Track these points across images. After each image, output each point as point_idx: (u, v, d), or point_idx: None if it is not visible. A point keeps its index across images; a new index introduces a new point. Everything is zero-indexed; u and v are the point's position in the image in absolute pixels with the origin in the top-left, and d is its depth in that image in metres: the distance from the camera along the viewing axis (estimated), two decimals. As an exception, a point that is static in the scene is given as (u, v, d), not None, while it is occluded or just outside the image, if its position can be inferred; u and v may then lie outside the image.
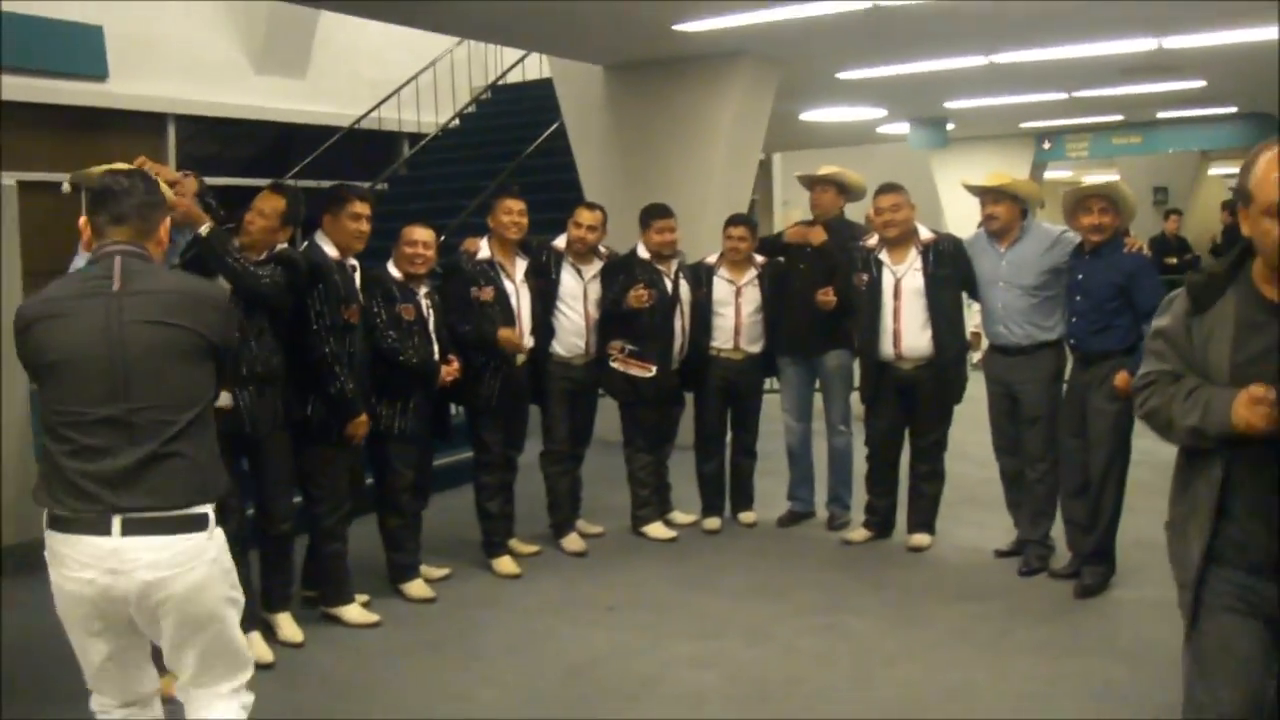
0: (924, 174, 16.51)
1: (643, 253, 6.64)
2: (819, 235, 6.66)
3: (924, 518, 6.58)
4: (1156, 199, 19.19)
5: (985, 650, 5.06)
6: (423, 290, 5.76)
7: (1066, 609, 5.56)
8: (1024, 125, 15.10)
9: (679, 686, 4.77)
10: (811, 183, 6.91)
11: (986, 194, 6.02)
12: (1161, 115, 14.41)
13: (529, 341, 6.26)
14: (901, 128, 14.62)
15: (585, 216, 6.53)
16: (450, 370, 5.72)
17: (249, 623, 5.01)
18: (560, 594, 5.95)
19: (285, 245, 5.07)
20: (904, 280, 6.23)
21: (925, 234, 6.31)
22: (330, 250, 5.35)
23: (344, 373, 5.19)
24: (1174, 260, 13.90)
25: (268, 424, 4.99)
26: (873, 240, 6.40)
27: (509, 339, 6.00)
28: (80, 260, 4.12)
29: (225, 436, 3.77)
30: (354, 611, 5.48)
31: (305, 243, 5.24)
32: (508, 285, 6.14)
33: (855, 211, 7.31)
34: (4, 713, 4.59)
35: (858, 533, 6.72)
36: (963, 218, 7.43)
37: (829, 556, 6.52)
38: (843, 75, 10.22)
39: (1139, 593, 5.70)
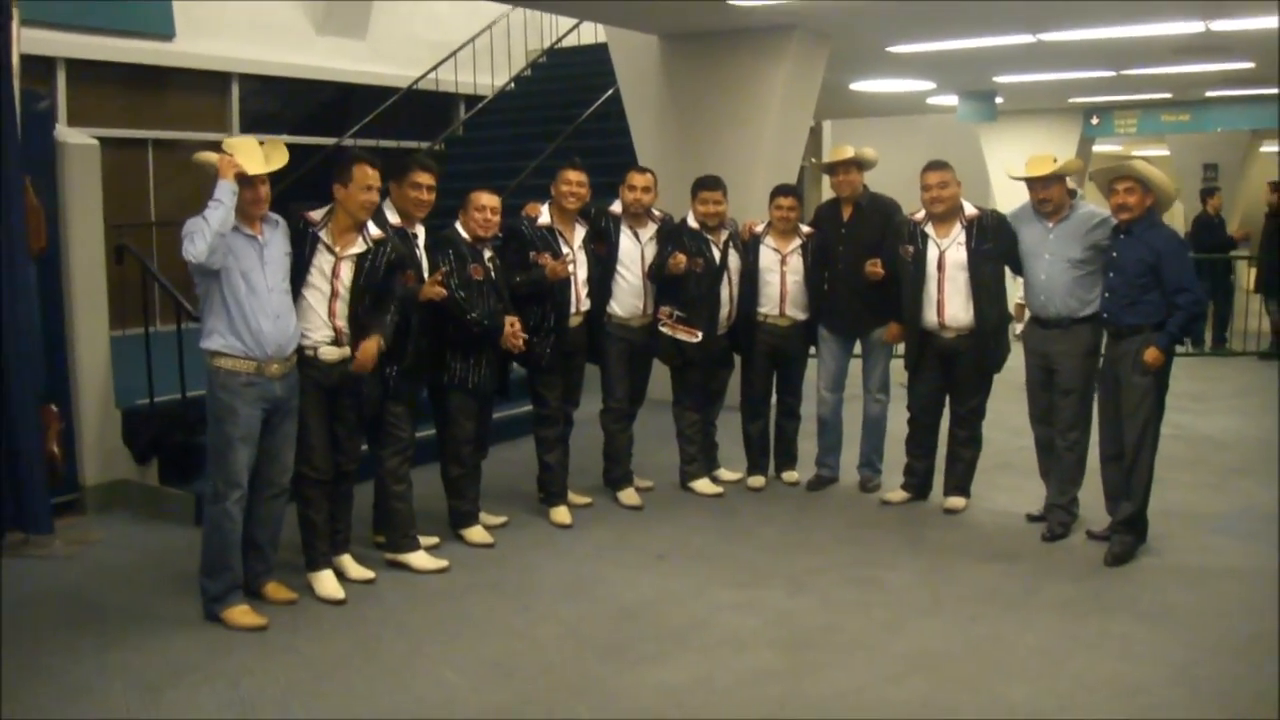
0: (973, 145, 16.56)
1: (692, 222, 6.89)
2: (877, 270, 6.71)
3: (960, 481, 6.84)
4: (1206, 175, 19.09)
5: (1011, 606, 5.33)
6: (488, 253, 6.06)
7: (1093, 572, 5.81)
8: (1072, 100, 15.08)
9: (722, 630, 5.08)
10: (834, 168, 7.06)
11: (1036, 181, 6.20)
12: (1210, 94, 14.40)
13: (585, 304, 6.55)
14: (951, 99, 14.68)
15: (637, 179, 6.78)
16: (515, 332, 5.98)
17: (321, 562, 5.43)
18: (611, 542, 6.28)
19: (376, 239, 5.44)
20: (948, 253, 6.46)
21: (969, 209, 6.52)
22: (393, 217, 5.69)
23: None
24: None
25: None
26: (919, 214, 6.63)
27: (554, 268, 6.22)
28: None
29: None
30: (420, 558, 5.80)
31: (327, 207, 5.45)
32: (566, 251, 6.40)
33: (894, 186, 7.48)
34: (94, 638, 4.97)
35: (896, 494, 6.99)
36: (1011, 189, 7.59)
37: (867, 516, 6.80)
38: (892, 49, 10.38)
39: (1165, 559, 5.97)
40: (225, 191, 4.84)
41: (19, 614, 5.22)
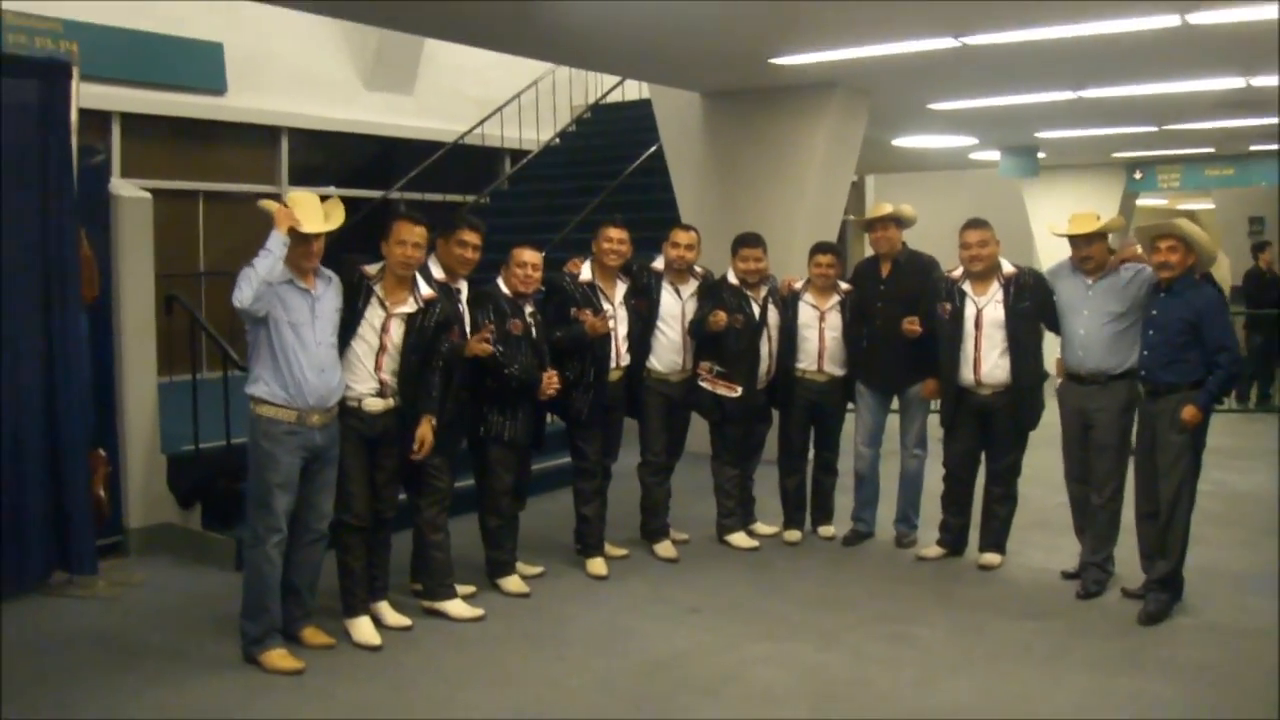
0: (1015, 200, 16.58)
1: (732, 278, 6.97)
2: (915, 327, 6.73)
3: (995, 538, 6.84)
4: (1252, 229, 18.97)
5: (1043, 664, 5.32)
6: (529, 309, 6.16)
7: (1127, 630, 5.78)
8: (1115, 155, 15.08)
9: (754, 684, 5.10)
10: (873, 224, 7.14)
11: (1080, 239, 6.23)
12: (1254, 148, 14.37)
13: (625, 359, 6.65)
14: (993, 154, 14.72)
15: (681, 237, 6.88)
16: (551, 382, 6.09)
17: (358, 608, 5.51)
18: (646, 595, 6.31)
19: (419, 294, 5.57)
20: (985, 311, 6.50)
21: (1007, 267, 6.57)
22: (437, 272, 5.82)
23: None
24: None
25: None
26: (957, 271, 6.68)
27: (594, 324, 6.30)
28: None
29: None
30: (456, 606, 5.86)
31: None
32: (606, 307, 6.50)
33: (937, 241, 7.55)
34: (134, 677, 5.07)
35: (931, 549, 7.00)
36: (1054, 245, 7.62)
37: (901, 571, 6.80)
38: (933, 106, 10.47)
39: (1200, 618, 5.93)
40: (276, 242, 4.98)
41: (61, 653, 5.36)
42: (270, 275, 4.94)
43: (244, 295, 4.92)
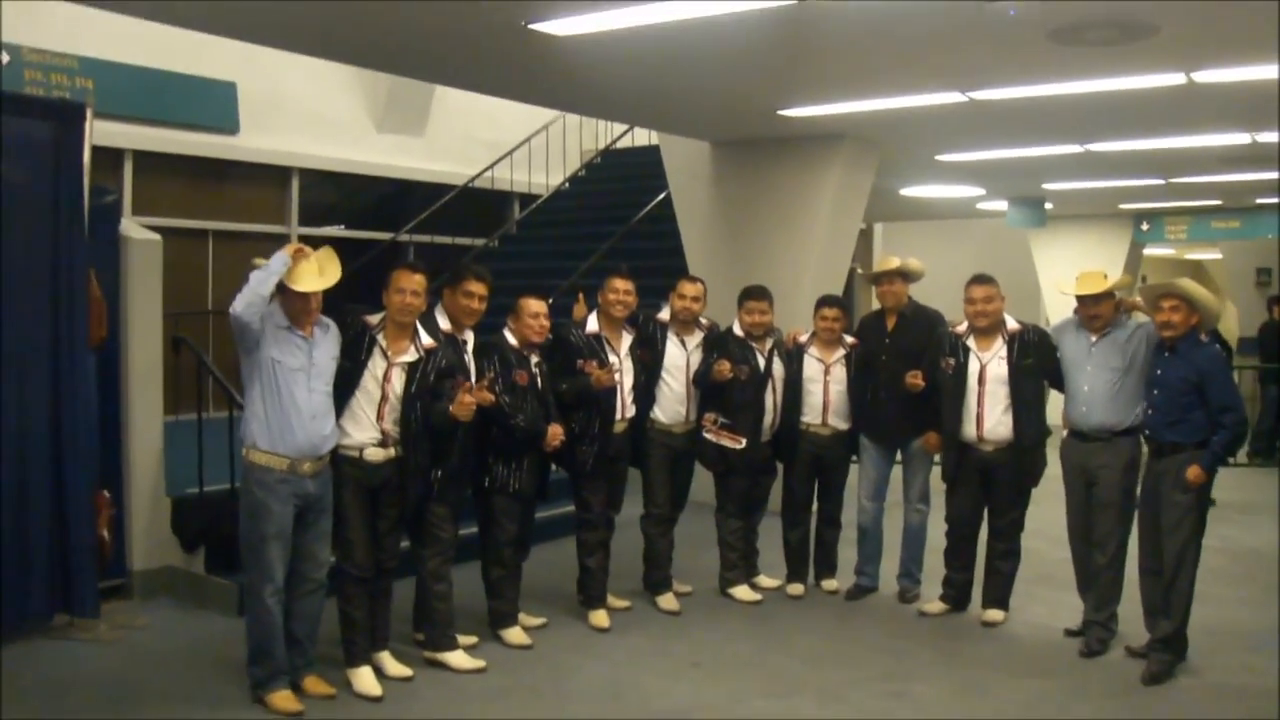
0: (1023, 250, 16.63)
1: (737, 330, 6.99)
2: (917, 381, 6.73)
3: (998, 594, 6.82)
4: (1260, 280, 18.97)
5: (1046, 725, 5.31)
6: (534, 359, 6.18)
7: (1129, 690, 5.75)
8: (1123, 206, 15.11)
9: (755, 742, 5.09)
10: (879, 278, 7.18)
11: (1088, 299, 6.24)
12: (1261, 201, 14.39)
13: (631, 410, 6.65)
14: (1001, 204, 14.76)
15: (688, 289, 6.91)
16: (556, 433, 6.10)
17: (359, 658, 5.50)
18: (648, 648, 6.29)
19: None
20: (989, 367, 6.52)
21: (1012, 324, 6.59)
22: (444, 323, 5.84)
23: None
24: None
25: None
26: (961, 326, 6.70)
27: (600, 377, 6.31)
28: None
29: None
30: (458, 658, 5.84)
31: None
32: (612, 359, 6.51)
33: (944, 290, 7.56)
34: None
35: (934, 605, 6.98)
36: (1061, 297, 7.63)
37: (904, 627, 6.78)
38: (941, 157, 10.51)
39: (1204, 679, 5.90)
40: (276, 259, 5.10)
41: (62, 697, 5.35)
42: (262, 287, 5.03)
43: (236, 304, 5.03)
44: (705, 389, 6.86)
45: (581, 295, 7.22)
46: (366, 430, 5.40)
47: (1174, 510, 5.83)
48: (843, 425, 7.11)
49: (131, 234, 7.08)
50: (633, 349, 6.68)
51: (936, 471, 7.07)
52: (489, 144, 13.79)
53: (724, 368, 6.69)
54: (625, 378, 6.60)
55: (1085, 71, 6.69)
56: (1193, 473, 5.73)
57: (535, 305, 6.14)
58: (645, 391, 6.77)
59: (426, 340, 5.55)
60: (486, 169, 13.51)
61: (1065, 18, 5.55)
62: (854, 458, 7.33)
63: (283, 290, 5.16)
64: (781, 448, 7.18)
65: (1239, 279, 19.26)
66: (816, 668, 6.03)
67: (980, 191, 13.55)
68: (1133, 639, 6.24)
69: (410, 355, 5.48)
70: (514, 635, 6.24)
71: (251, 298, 5.00)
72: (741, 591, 7.17)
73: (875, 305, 7.43)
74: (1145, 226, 15.83)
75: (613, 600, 6.83)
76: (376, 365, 5.42)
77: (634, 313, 6.72)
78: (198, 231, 11.82)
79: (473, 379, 5.82)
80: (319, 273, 5.23)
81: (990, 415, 6.49)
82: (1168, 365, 5.91)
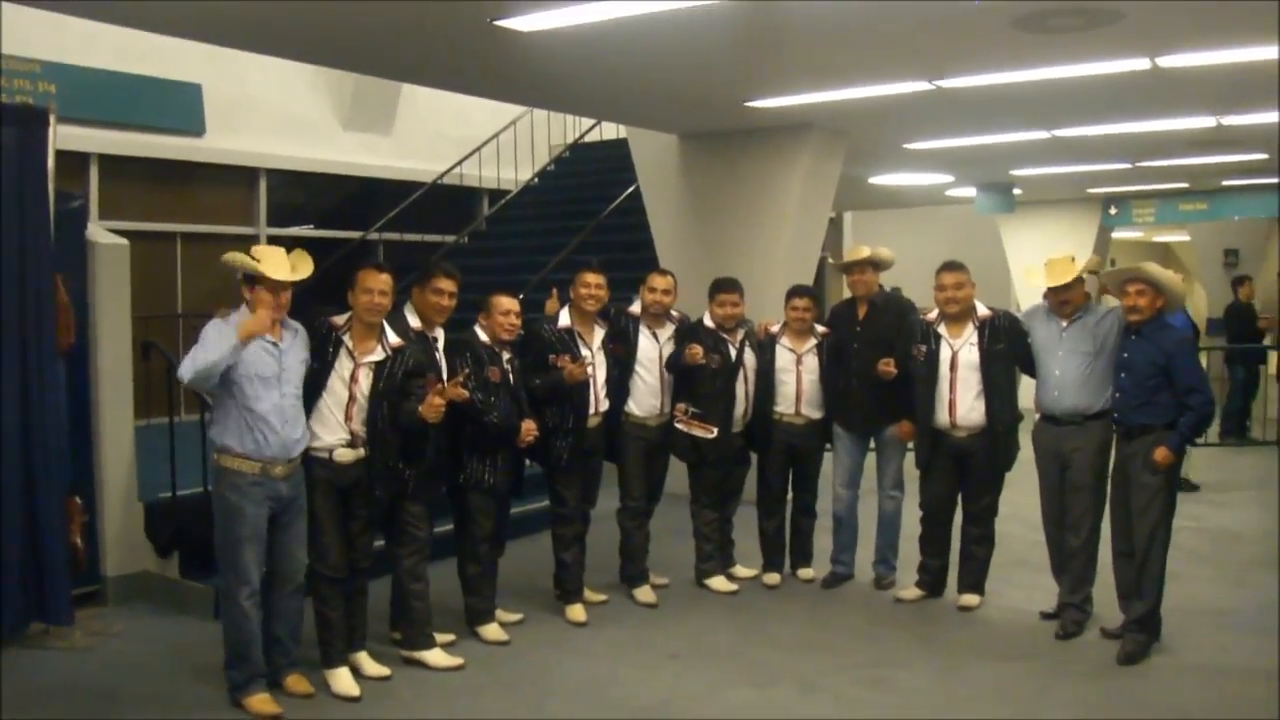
0: (992, 236, 16.71)
1: (708, 322, 6.99)
2: (889, 369, 6.75)
3: (973, 579, 6.86)
4: (1228, 261, 19.10)
5: (1023, 707, 5.34)
6: (506, 355, 6.17)
7: (1106, 671, 5.80)
8: (1091, 190, 15.21)
9: (735, 732, 5.10)
10: (850, 267, 7.18)
11: (1062, 289, 6.26)
12: (1227, 183, 14.49)
13: (604, 404, 6.65)
14: (970, 191, 14.82)
15: (658, 281, 6.90)
16: (529, 429, 6.10)
17: (336, 659, 5.50)
18: (626, 641, 6.30)
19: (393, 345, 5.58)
20: (960, 353, 6.54)
21: (982, 310, 6.61)
22: (414, 320, 5.83)
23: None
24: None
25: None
26: (932, 314, 6.72)
27: (572, 371, 6.29)
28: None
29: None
30: (436, 656, 5.83)
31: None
32: (585, 353, 6.51)
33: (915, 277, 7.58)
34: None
35: (910, 591, 7.00)
36: (1032, 282, 7.67)
37: (881, 613, 6.80)
38: (909, 146, 10.55)
39: (1179, 658, 5.96)
40: (232, 347, 5.02)
41: (38, 706, 5.32)
42: (211, 370, 4.98)
43: (184, 372, 5.01)
44: (678, 375, 6.86)
45: (555, 290, 7.21)
46: (335, 431, 5.39)
47: (1144, 492, 5.88)
48: (816, 414, 7.13)
49: (98, 239, 7.02)
50: (605, 343, 6.68)
51: (910, 458, 7.09)
52: (457, 140, 13.78)
53: (695, 351, 6.68)
54: (598, 372, 6.59)
55: (1051, 58, 6.73)
56: (1160, 454, 5.79)
57: (507, 303, 6.14)
58: (619, 385, 6.76)
59: (394, 339, 5.54)
60: (455, 165, 13.51)
61: (1029, 5, 5.57)
62: (828, 446, 7.34)
63: (252, 284, 5.15)
64: (754, 438, 7.20)
65: (1207, 260, 19.41)
66: (795, 656, 6.05)
67: (949, 179, 13.61)
68: (1108, 620, 6.29)
69: (377, 355, 5.47)
70: (491, 632, 6.23)
71: (201, 376, 4.99)
72: (718, 582, 7.19)
73: (846, 294, 7.43)
74: (1114, 210, 15.92)
75: (589, 594, 6.83)
76: (343, 366, 5.40)
77: (605, 307, 6.71)
78: (166, 234, 11.78)
79: (444, 376, 5.81)
80: (290, 268, 5.22)
81: (962, 401, 6.52)
82: (1134, 349, 5.95)
